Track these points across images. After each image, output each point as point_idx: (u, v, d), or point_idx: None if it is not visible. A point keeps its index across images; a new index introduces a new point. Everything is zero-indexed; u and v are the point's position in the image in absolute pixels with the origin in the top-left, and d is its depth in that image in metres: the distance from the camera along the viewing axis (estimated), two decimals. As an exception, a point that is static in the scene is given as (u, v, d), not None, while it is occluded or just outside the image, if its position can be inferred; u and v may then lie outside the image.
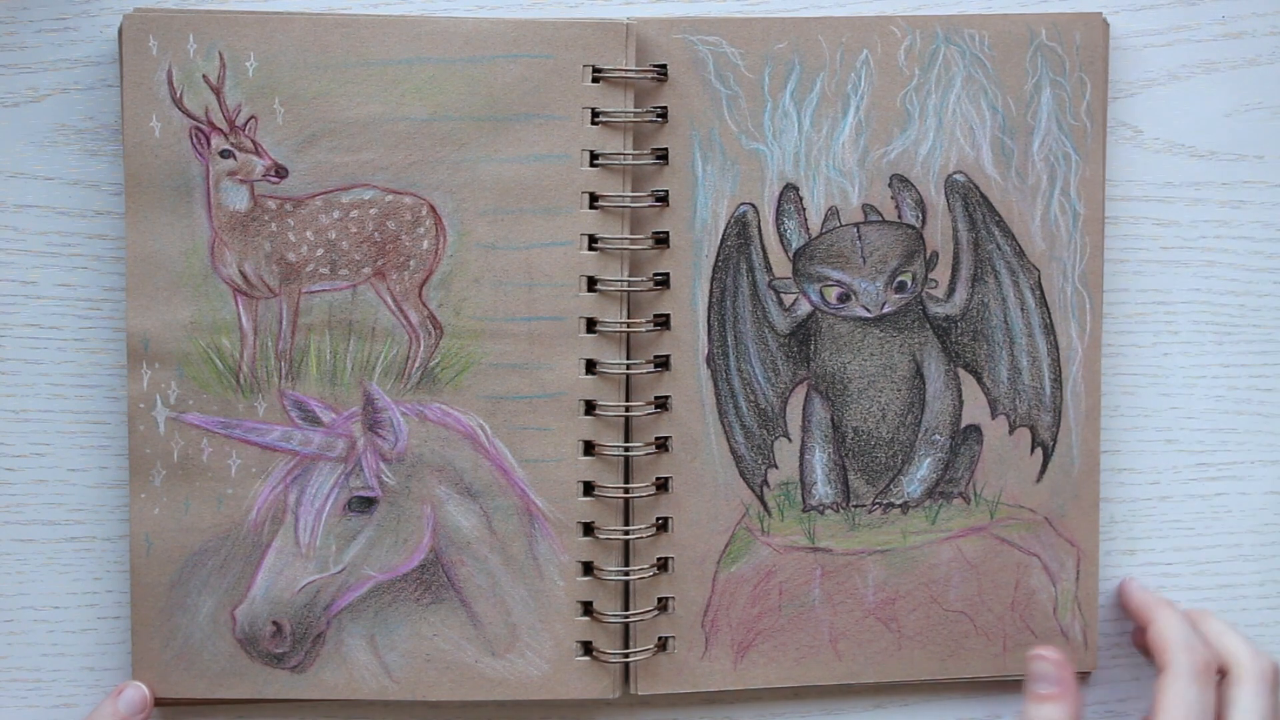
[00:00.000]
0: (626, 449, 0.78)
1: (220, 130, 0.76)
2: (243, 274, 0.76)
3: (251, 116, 0.76)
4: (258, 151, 0.76)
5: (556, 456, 0.78)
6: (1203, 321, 0.82)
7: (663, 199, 0.77)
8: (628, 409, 0.78)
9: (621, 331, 0.78)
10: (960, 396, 0.79)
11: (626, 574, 0.78)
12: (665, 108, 0.77)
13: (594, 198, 0.77)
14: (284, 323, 0.77)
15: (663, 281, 0.78)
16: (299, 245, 0.76)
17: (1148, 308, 0.81)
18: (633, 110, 0.77)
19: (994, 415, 0.79)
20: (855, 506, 0.79)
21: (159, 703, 0.77)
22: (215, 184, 0.76)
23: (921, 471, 0.80)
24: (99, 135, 0.77)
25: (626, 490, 0.78)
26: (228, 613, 0.77)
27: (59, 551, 0.79)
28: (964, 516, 0.80)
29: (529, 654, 0.78)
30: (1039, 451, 0.80)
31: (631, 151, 0.77)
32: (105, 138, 0.77)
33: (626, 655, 0.78)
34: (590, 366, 0.78)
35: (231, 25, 0.75)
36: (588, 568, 0.78)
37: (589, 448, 0.78)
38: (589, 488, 0.78)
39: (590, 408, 0.78)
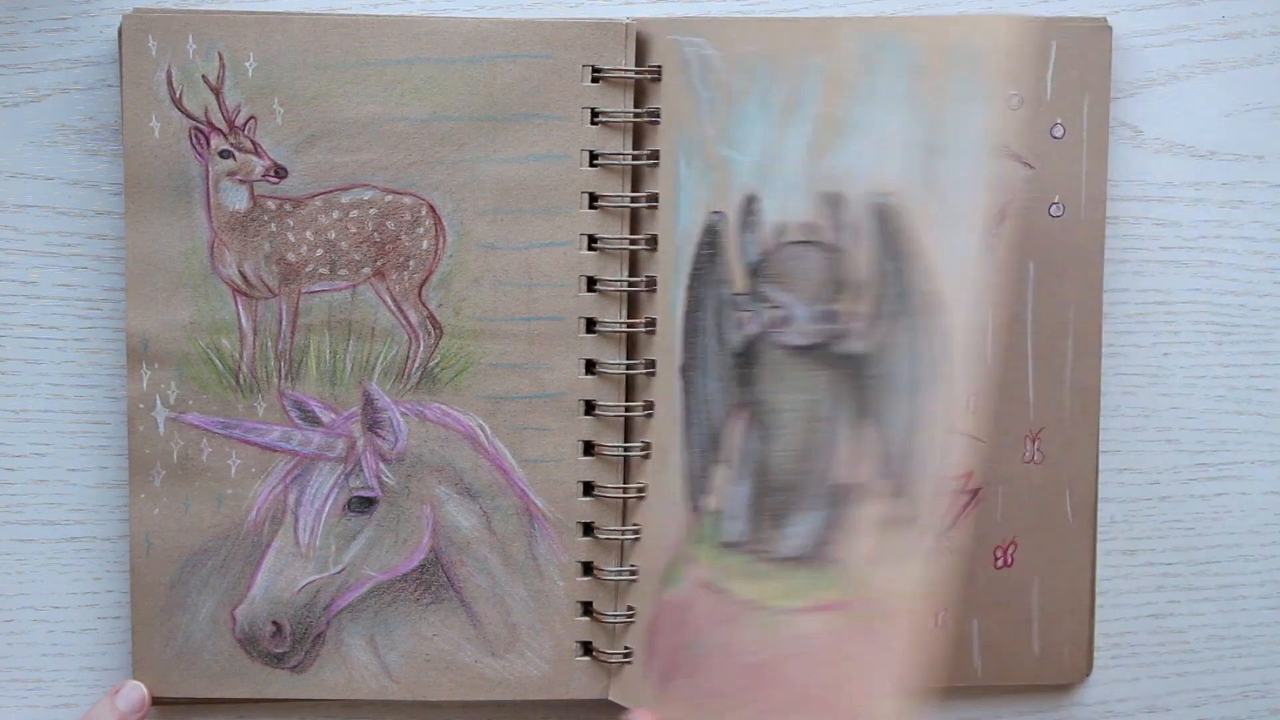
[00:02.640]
0: (626, 449, 0.78)
1: (220, 130, 0.76)
2: (242, 274, 0.76)
3: (251, 117, 0.76)
4: (257, 152, 0.76)
5: (556, 456, 0.78)
6: (1203, 321, 0.82)
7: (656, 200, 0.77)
8: (627, 409, 0.78)
9: (621, 332, 0.78)
10: (859, 445, 0.68)
11: (625, 574, 0.78)
12: (659, 109, 0.77)
13: (593, 198, 0.77)
14: (284, 323, 0.77)
15: (654, 284, 0.77)
16: (298, 245, 0.76)
17: (1148, 308, 0.81)
18: (632, 110, 0.77)
19: (886, 473, 0.67)
20: (757, 551, 0.71)
21: (159, 701, 0.77)
22: (215, 184, 0.76)
23: (813, 525, 0.69)
24: (99, 135, 0.77)
25: (624, 490, 0.78)
26: (228, 612, 0.77)
27: (59, 551, 0.79)
28: (836, 587, 0.68)
29: (529, 654, 0.78)
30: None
31: (631, 152, 0.77)
32: (105, 138, 0.77)
33: (625, 655, 0.78)
34: (590, 366, 0.78)
35: (231, 25, 0.75)
36: (588, 568, 0.78)
37: (589, 448, 0.78)
38: (589, 488, 0.78)
39: (590, 408, 0.78)
